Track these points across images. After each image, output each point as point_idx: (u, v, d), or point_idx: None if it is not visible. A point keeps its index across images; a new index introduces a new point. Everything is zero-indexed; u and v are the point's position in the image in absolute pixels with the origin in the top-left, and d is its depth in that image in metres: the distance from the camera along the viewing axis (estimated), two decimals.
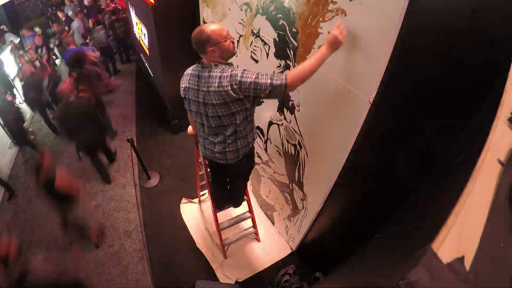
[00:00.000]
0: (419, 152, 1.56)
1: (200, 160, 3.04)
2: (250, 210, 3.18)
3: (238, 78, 1.68)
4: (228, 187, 2.72)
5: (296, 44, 2.01)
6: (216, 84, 1.73)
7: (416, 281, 0.56)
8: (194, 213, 3.72)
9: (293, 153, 2.52)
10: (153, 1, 3.63)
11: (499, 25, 1.07)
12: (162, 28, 3.88)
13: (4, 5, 9.64)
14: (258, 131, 2.98)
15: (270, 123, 2.71)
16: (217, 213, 2.98)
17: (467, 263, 0.57)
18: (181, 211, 3.76)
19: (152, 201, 3.98)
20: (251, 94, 1.71)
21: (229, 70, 1.74)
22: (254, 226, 3.30)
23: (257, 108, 2.70)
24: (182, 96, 2.00)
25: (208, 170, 2.72)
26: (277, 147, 2.74)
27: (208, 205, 3.65)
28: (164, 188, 4.15)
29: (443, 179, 1.21)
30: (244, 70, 1.71)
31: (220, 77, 1.72)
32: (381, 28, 1.39)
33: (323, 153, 2.16)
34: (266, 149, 2.97)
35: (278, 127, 2.60)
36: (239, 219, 3.20)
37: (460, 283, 0.56)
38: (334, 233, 2.66)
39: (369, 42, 1.49)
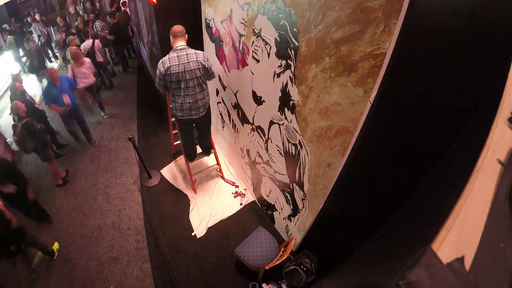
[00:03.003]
0: (419, 152, 1.56)
1: (172, 120, 3.98)
2: (217, 162, 4.13)
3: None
4: (196, 144, 3.79)
5: (297, 44, 2.01)
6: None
7: (416, 281, 0.56)
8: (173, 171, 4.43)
9: (293, 152, 2.52)
10: (155, 1, 3.64)
11: (499, 25, 1.07)
12: (164, 27, 3.87)
13: (6, 4, 9.64)
14: (259, 131, 2.98)
15: (271, 123, 2.71)
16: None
17: (467, 263, 0.57)
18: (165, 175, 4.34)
19: (153, 200, 3.99)
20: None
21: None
22: (218, 163, 4.14)
23: (258, 108, 2.73)
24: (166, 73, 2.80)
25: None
26: (278, 146, 2.74)
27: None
28: (165, 187, 4.15)
29: (443, 179, 1.21)
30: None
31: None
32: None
33: (324, 153, 2.16)
34: (266, 149, 2.97)
35: (279, 127, 2.61)
36: (209, 170, 4.15)
37: (460, 283, 0.56)
38: (334, 233, 2.66)
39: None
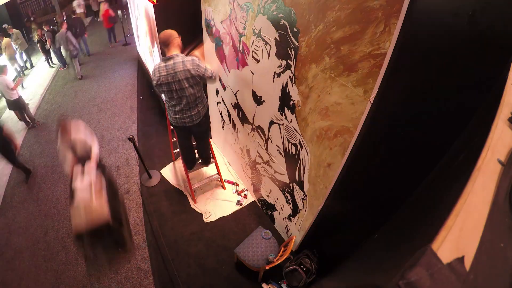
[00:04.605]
0: (419, 152, 1.56)
1: (171, 128, 3.79)
2: (218, 172, 3.97)
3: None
4: (195, 149, 3.66)
5: (297, 44, 2.01)
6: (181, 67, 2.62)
7: (416, 281, 0.56)
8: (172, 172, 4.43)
9: (293, 152, 2.53)
10: (155, 1, 3.63)
11: (499, 25, 1.07)
12: (164, 27, 3.88)
13: (7, 4, 9.65)
14: (259, 131, 2.98)
15: (271, 123, 2.71)
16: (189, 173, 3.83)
17: (467, 263, 0.57)
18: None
19: (153, 200, 3.99)
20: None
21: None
22: (219, 173, 3.99)
23: (258, 108, 2.74)
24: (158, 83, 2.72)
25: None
26: (278, 146, 2.74)
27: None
28: (165, 187, 4.15)
29: (443, 179, 1.21)
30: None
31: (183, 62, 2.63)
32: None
33: (324, 153, 2.16)
34: (267, 149, 2.97)
35: (279, 127, 2.61)
36: (209, 180, 4.02)
37: (460, 283, 0.56)
38: (334, 233, 2.66)
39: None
